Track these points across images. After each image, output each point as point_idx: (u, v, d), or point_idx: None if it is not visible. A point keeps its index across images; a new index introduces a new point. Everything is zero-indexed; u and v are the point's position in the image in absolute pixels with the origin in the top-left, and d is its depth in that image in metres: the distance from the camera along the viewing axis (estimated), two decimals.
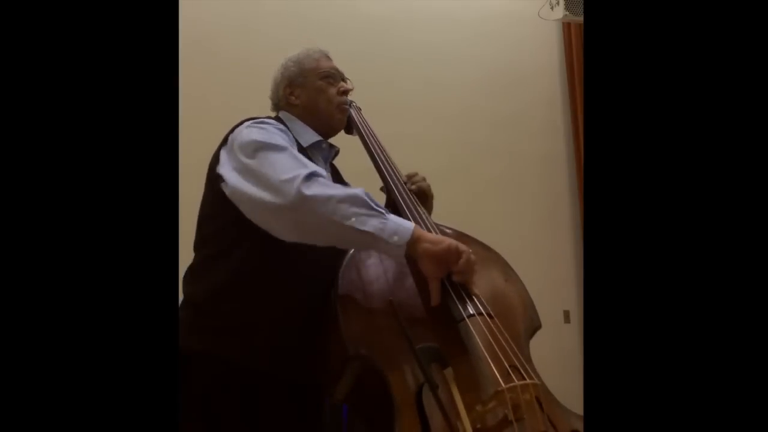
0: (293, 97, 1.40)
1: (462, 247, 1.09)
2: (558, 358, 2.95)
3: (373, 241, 1.06)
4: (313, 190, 1.06)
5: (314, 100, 1.39)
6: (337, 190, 1.08)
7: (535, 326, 1.27)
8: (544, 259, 3.08)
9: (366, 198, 1.08)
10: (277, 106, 1.45)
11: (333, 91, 1.40)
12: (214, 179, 1.23)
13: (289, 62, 1.44)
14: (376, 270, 1.18)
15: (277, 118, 1.38)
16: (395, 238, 1.05)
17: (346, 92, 1.42)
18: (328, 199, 1.06)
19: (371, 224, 1.05)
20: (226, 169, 1.19)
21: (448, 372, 1.01)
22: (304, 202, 1.05)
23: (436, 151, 2.93)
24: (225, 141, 1.26)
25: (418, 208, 1.29)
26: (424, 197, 1.42)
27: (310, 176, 1.08)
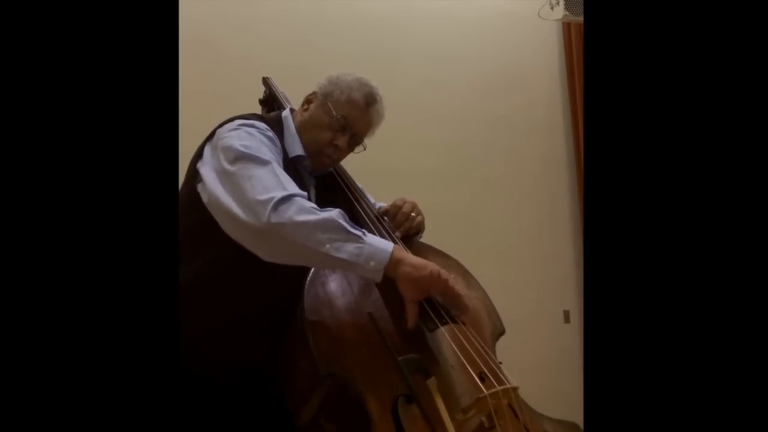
0: (306, 106, 1.33)
1: (444, 273, 1.07)
2: (558, 358, 2.95)
3: (349, 266, 1.04)
4: (285, 215, 1.02)
5: (310, 127, 1.29)
6: (311, 215, 1.03)
7: (498, 332, 1.26)
8: (544, 259, 3.08)
9: (341, 221, 1.04)
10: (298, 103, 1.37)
11: (328, 135, 1.28)
12: (192, 175, 1.19)
13: (338, 79, 1.30)
14: (341, 283, 1.16)
15: (278, 117, 1.34)
16: (372, 263, 1.03)
17: (335, 147, 1.29)
18: (301, 225, 1.02)
19: (346, 250, 1.02)
20: (206, 169, 1.16)
21: (431, 382, 1.00)
22: (274, 229, 1.02)
23: (436, 151, 2.94)
24: (211, 135, 1.22)
25: (389, 229, 1.26)
26: (416, 234, 1.35)
27: (285, 199, 1.04)
